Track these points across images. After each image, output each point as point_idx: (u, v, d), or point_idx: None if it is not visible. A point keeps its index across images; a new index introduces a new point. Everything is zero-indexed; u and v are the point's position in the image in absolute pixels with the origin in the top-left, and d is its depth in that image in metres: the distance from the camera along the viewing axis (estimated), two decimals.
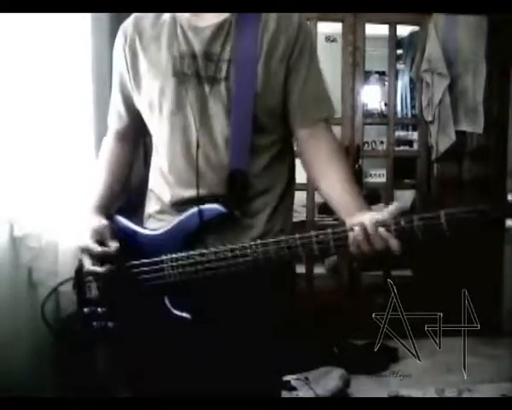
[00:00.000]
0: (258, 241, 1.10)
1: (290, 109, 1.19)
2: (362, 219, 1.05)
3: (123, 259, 1.22)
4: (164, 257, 1.17)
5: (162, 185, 1.25)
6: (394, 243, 1.02)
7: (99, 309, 1.26)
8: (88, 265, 1.21)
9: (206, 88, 1.16)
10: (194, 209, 1.16)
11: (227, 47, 1.15)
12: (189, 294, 1.16)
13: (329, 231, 1.06)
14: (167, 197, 1.23)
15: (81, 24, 2.09)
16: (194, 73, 1.16)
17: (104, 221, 1.26)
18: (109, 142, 1.39)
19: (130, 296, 1.22)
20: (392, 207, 1.06)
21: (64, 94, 2.00)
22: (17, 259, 1.80)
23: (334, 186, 1.16)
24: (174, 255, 1.16)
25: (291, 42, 1.16)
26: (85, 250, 1.22)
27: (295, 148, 1.29)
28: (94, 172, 1.40)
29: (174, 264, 1.16)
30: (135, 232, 1.26)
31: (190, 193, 1.17)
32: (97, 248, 1.20)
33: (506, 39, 3.17)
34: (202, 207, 1.15)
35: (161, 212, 1.25)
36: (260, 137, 1.18)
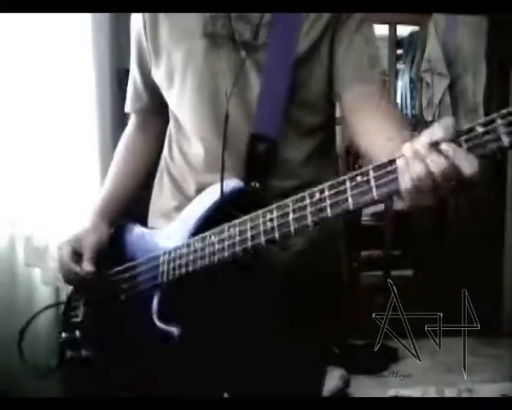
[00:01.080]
0: (274, 205, 0.84)
1: (337, 72, 1.00)
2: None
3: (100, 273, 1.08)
4: (160, 252, 1.00)
5: (185, 172, 1.07)
6: (467, 160, 0.65)
7: (85, 334, 1.12)
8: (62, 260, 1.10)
9: (243, 54, 0.97)
10: (201, 195, 0.99)
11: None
12: (181, 300, 0.99)
13: (369, 167, 0.73)
14: (192, 186, 1.05)
15: (81, 24, 2.09)
16: (228, 35, 0.98)
17: (104, 233, 1.12)
18: (129, 133, 1.23)
19: (114, 314, 1.08)
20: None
21: (65, 94, 2.00)
22: (17, 259, 1.80)
23: (383, 132, 0.90)
24: (171, 247, 0.98)
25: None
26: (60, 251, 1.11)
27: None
28: (108, 168, 1.24)
29: (171, 256, 0.98)
30: (138, 233, 1.11)
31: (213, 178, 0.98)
32: (69, 263, 1.09)
33: (506, 39, 3.17)
34: (212, 187, 0.97)
35: (180, 208, 1.05)
36: (303, 113, 1.01)
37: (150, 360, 1.03)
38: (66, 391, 1.91)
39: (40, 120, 1.87)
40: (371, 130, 0.93)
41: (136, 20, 1.09)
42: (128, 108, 1.21)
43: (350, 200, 0.74)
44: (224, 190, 0.95)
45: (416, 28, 3.63)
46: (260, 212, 0.85)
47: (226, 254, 0.89)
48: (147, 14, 1.05)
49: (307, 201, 0.79)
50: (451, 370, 2.61)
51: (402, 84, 5.10)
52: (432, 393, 2.50)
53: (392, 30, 3.29)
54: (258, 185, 0.96)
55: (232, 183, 0.96)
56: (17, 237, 1.78)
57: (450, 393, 2.49)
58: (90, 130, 2.10)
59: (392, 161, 0.72)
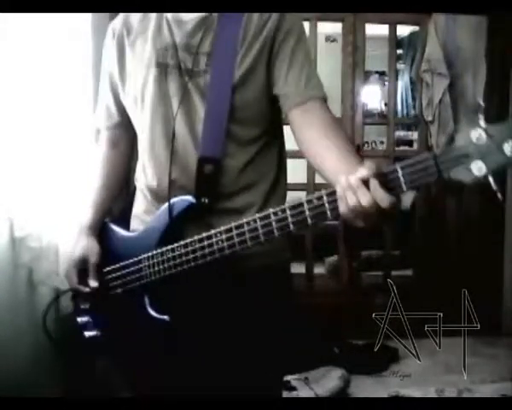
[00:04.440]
0: (233, 224, 1.03)
1: (278, 95, 1.15)
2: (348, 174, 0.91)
3: (104, 285, 1.26)
4: (142, 256, 1.18)
5: (144, 181, 1.25)
6: (383, 196, 0.86)
7: (89, 319, 1.32)
8: (71, 283, 1.32)
9: (187, 79, 1.15)
10: (165, 206, 1.16)
11: (207, 40, 1.14)
12: (168, 295, 1.15)
13: (323, 192, 0.94)
14: (151, 196, 1.23)
15: (81, 24, 2.10)
16: (176, 64, 1.16)
17: (91, 246, 1.30)
18: (102, 151, 1.38)
19: (114, 303, 1.26)
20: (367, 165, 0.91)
21: (65, 94, 2.00)
22: (17, 259, 1.80)
23: (329, 157, 1.06)
24: (150, 253, 1.16)
25: (273, 29, 1.13)
26: (67, 278, 1.32)
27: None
28: (88, 183, 1.39)
29: (150, 262, 1.16)
30: (118, 236, 1.30)
31: (165, 187, 1.16)
32: (77, 286, 1.29)
33: (506, 39, 3.17)
34: (172, 200, 1.15)
35: (146, 211, 1.25)
36: (242, 129, 1.16)
37: (145, 344, 1.20)
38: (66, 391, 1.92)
39: (39, 120, 1.87)
40: (319, 152, 1.08)
41: (108, 58, 1.28)
42: (100, 124, 1.38)
43: (309, 220, 0.95)
44: (180, 206, 1.14)
45: (416, 28, 3.63)
46: (244, 221, 1.02)
47: (209, 258, 1.07)
48: (116, 49, 1.24)
49: (279, 215, 0.98)
50: (451, 370, 2.61)
51: (402, 84, 5.11)
52: (432, 393, 2.50)
53: (392, 30, 3.29)
54: (207, 201, 1.13)
55: (185, 199, 1.14)
56: (17, 236, 1.78)
57: (450, 393, 2.49)
58: (89, 129, 2.11)
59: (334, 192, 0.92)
